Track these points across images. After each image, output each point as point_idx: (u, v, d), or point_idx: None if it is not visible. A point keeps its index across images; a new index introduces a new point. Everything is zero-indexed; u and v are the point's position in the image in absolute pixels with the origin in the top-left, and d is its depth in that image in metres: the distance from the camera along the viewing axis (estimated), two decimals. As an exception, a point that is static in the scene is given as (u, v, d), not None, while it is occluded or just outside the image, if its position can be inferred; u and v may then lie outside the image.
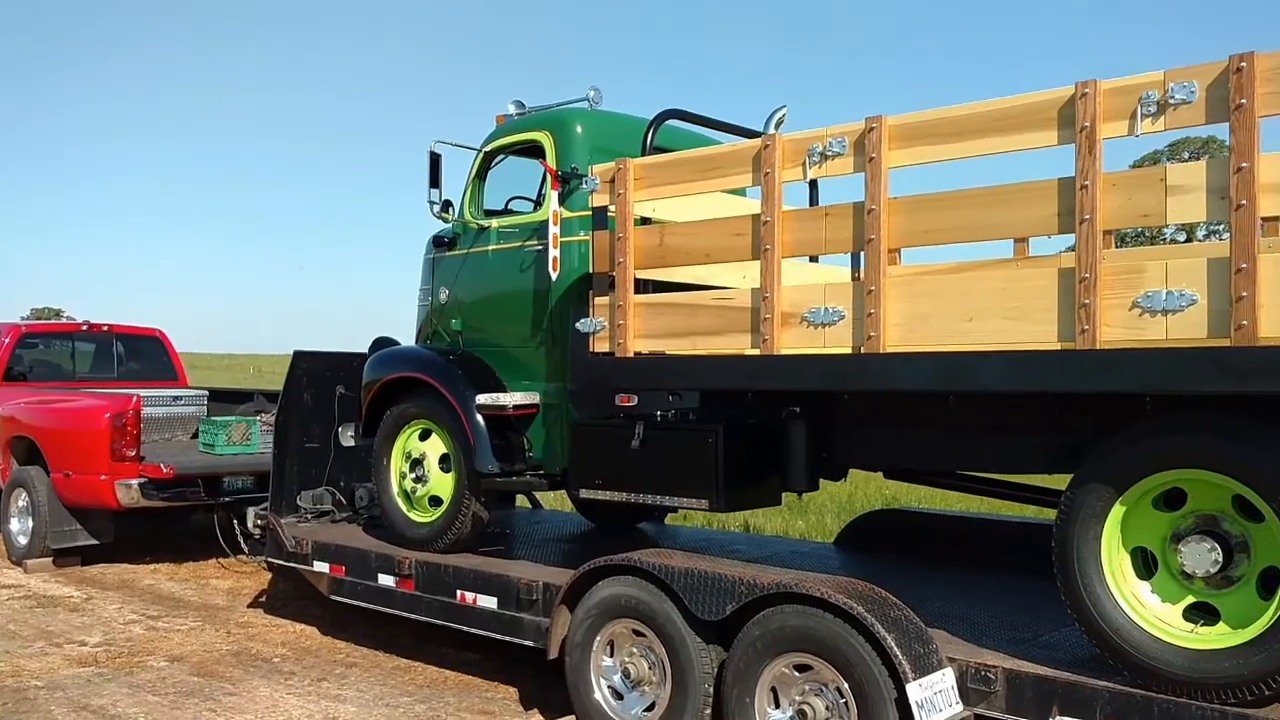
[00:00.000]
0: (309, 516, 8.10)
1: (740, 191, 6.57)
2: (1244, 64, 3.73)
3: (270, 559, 8.01)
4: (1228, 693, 3.88)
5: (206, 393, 12.09)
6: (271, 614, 8.54)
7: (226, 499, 9.76)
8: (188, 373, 13.16)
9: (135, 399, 9.83)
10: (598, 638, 5.49)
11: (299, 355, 8.18)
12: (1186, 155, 49.96)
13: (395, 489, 7.24)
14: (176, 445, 11.06)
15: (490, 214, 7.13)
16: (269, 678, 6.79)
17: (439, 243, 7.37)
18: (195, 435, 11.10)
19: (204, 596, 9.16)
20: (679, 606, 5.12)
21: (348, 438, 7.97)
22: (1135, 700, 4.04)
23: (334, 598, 7.38)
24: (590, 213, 5.91)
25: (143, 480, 9.52)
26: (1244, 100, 3.73)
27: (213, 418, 10.86)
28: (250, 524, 8.38)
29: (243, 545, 8.86)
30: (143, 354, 12.57)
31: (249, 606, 8.80)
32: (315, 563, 7.44)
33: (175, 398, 11.65)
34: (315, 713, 6.09)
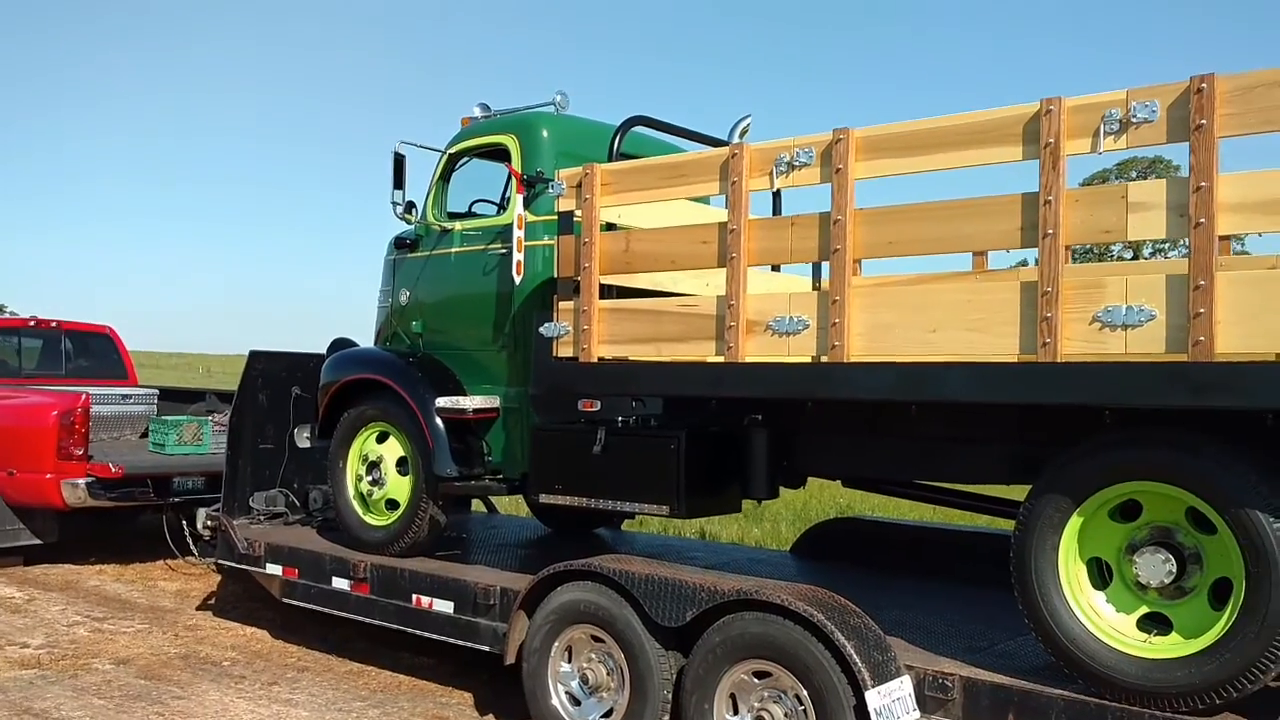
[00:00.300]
0: (262, 518, 8.00)
1: (704, 200, 6.61)
2: (1204, 85, 3.81)
3: (221, 561, 7.90)
4: (1180, 701, 3.95)
5: (157, 391, 11.90)
6: (221, 617, 8.41)
7: (176, 500, 9.58)
8: (136, 371, 12.94)
9: (84, 397, 9.64)
10: (556, 643, 5.47)
11: (255, 355, 8.08)
12: (1134, 174, 50.84)
13: (351, 491, 7.17)
14: (125, 444, 10.86)
15: (453, 216, 7.10)
16: (218, 681, 6.68)
17: (401, 244, 7.31)
18: (145, 435, 10.91)
19: (151, 598, 9.00)
20: (639, 612, 5.12)
21: (303, 439, 7.88)
22: (1089, 709, 4.10)
23: (286, 601, 7.29)
24: (555, 217, 5.90)
25: (90, 480, 9.33)
26: (1204, 120, 3.81)
27: (163, 417, 10.69)
28: (200, 525, 8.27)
29: (192, 547, 8.72)
30: (92, 351, 12.33)
31: (197, 609, 8.66)
32: (268, 565, 7.34)
33: (125, 396, 11.46)
34: (266, 717, 6.01)
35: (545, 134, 6.56)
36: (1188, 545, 4.11)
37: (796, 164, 4.84)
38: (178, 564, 9.84)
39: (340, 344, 7.68)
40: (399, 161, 6.75)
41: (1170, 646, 4.08)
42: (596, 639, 5.36)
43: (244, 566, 7.57)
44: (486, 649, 5.99)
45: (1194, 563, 4.10)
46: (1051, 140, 4.11)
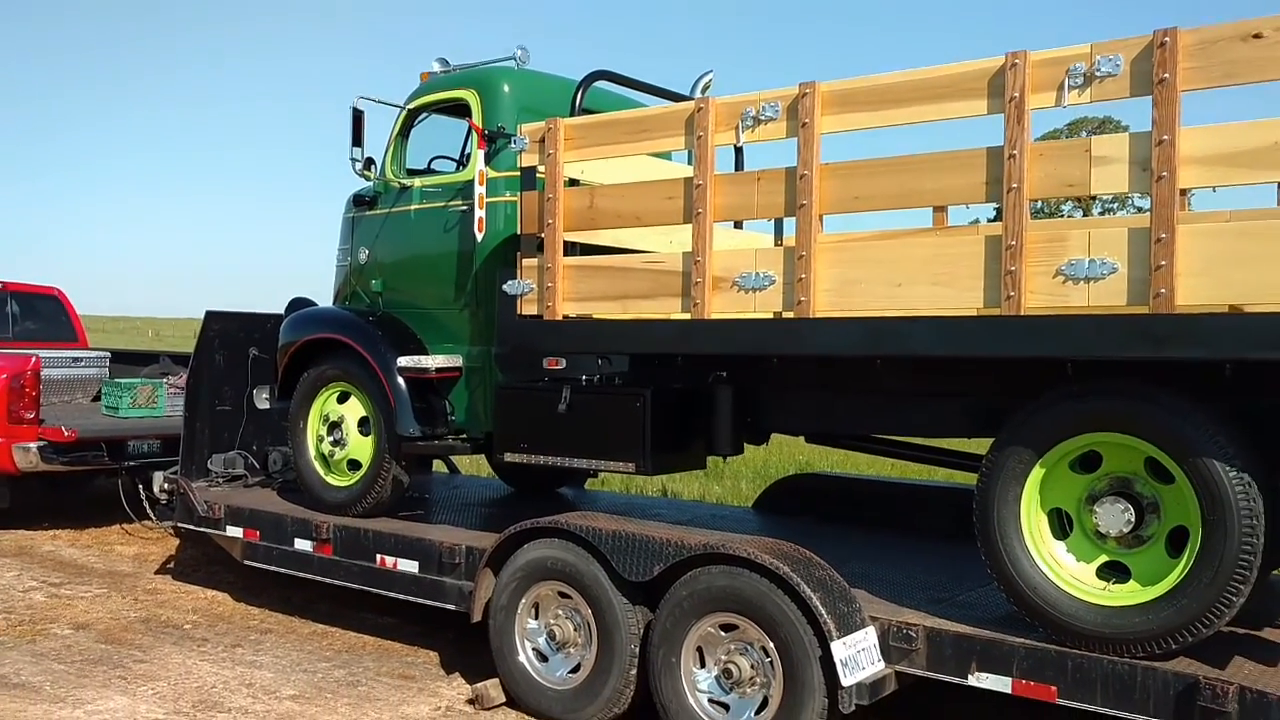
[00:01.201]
0: (220, 481, 7.92)
1: (666, 155, 6.58)
2: (1167, 39, 3.84)
3: (179, 524, 7.82)
4: (1137, 647, 4.04)
5: (109, 354, 11.71)
6: (181, 580, 8.33)
7: (131, 463, 9.46)
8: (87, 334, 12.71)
9: (34, 359, 9.44)
10: (523, 600, 5.48)
11: (211, 315, 7.96)
12: (1084, 134, 51.28)
13: (312, 452, 7.11)
14: (77, 408, 10.69)
15: (413, 173, 7.01)
16: (180, 644, 6.63)
17: (359, 202, 7.22)
18: (97, 398, 10.74)
19: (109, 563, 8.89)
20: (606, 568, 5.14)
21: (262, 400, 7.80)
22: (1050, 655, 4.19)
23: (247, 563, 7.24)
24: (518, 173, 5.84)
25: (42, 444, 9.17)
26: (1167, 75, 3.84)
27: (116, 380, 10.53)
28: (158, 489, 8.18)
29: (149, 511, 8.64)
30: (40, 314, 12.08)
31: (156, 573, 8.57)
32: (228, 527, 7.28)
33: (75, 359, 11.26)
34: (230, 679, 5.98)
35: (506, 89, 6.48)
36: (1146, 495, 4.19)
37: (762, 118, 4.82)
38: (134, 528, 9.73)
39: (299, 303, 7.59)
40: (357, 117, 6.64)
41: (1128, 594, 4.17)
42: (563, 595, 5.38)
43: (203, 529, 7.50)
44: (452, 608, 6.00)
45: (1152, 512, 4.18)
46: (1016, 94, 4.13)
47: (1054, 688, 4.16)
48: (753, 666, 4.73)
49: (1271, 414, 4.15)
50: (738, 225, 6.52)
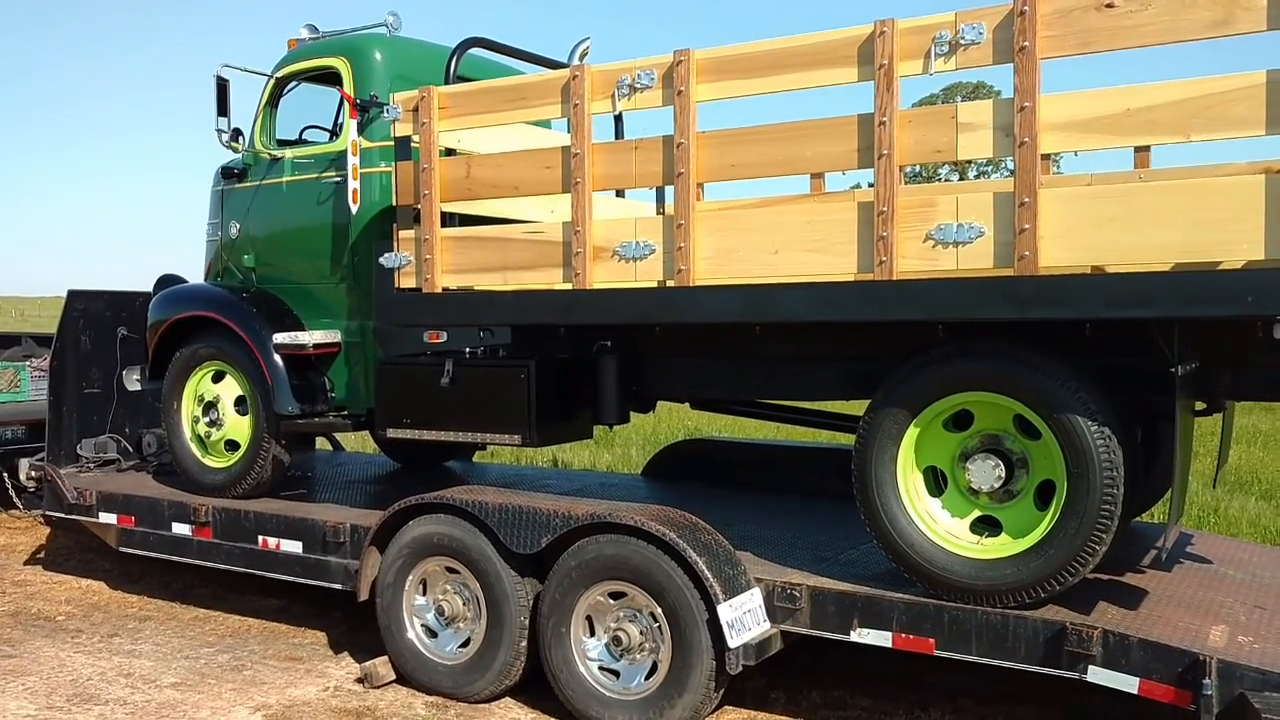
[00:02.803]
0: (91, 466, 7.63)
1: (545, 124, 6.50)
2: (1026, 7, 3.94)
3: (49, 512, 7.51)
4: (1009, 597, 4.20)
5: (-35, 337, 11.14)
6: (52, 570, 8.02)
7: (-6, 451, 9.04)
8: (-58, 316, 12.07)
9: (-118, 344, 8.94)
10: (410, 577, 5.43)
11: (74, 295, 7.64)
12: (959, 99, 52.51)
13: (188, 434, 6.89)
14: (-67, 395, 10.15)
15: (284, 144, 6.80)
16: (53, 636, 6.39)
17: (228, 174, 6.97)
18: (-45, 383, 10.20)
19: (-27, 556, 8.51)
20: (494, 542, 5.12)
21: (133, 381, 7.51)
22: (928, 609, 4.33)
23: (123, 550, 7.00)
24: (392, 143, 5.71)
25: (-105, 433, 8.72)
26: (1026, 43, 3.94)
27: (-26, 364, 10.01)
28: (24, 476, 7.86)
29: (15, 500, 8.28)
30: (-112, 296, 11.42)
31: (25, 564, 8.23)
32: (101, 514, 7.02)
33: (-71, 343, 10.68)
34: (108, 670, 5.79)
35: (378, 56, 6.32)
36: (1015, 451, 4.35)
37: (638, 86, 4.80)
38: (1, 518, 9.31)
39: (168, 280, 7.32)
40: (222, 86, 6.39)
41: (1000, 546, 4.33)
42: (451, 570, 5.34)
43: (75, 517, 7.22)
44: (339, 587, 5.90)
45: (1021, 467, 4.35)
46: (885, 62, 4.19)
47: (932, 640, 4.31)
48: (641, 633, 4.77)
49: (1128, 370, 4.33)
50: (619, 194, 6.51)
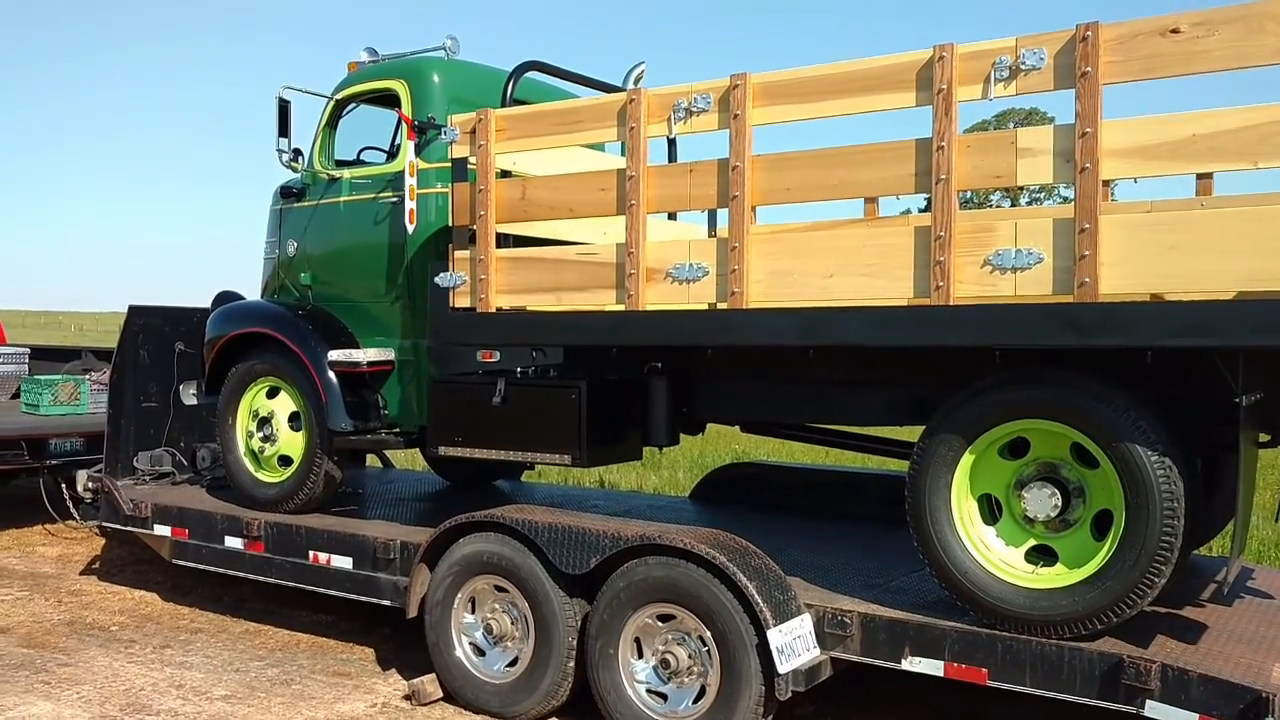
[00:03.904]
0: (147, 478, 7.75)
1: (599, 147, 6.55)
2: (1089, 33, 3.91)
3: (105, 524, 7.64)
4: (1064, 628, 4.13)
5: (28, 350, 11.39)
6: (107, 581, 8.15)
7: (54, 462, 9.19)
8: (5, 330, 12.37)
9: (-51, 357, 9.17)
10: (459, 595, 5.45)
11: (135, 310, 7.78)
12: (1012, 125, 52.22)
13: (242, 448, 6.98)
14: (-5, 406, 10.38)
15: (342, 164, 6.91)
16: (107, 646, 6.49)
17: (287, 194, 7.09)
18: (16, 395, 10.43)
19: (30, 565, 8.66)
20: (543, 561, 5.13)
21: (189, 396, 7.64)
22: (981, 639, 4.27)
23: (176, 562, 7.10)
24: (449, 164, 5.78)
25: (-43, 443, 8.90)
26: (1089, 68, 3.91)
27: (36, 376, 10.23)
28: (81, 487, 7.97)
29: (72, 510, 8.41)
30: (-46, 309, 11.72)
31: (81, 574, 8.37)
32: (155, 526, 7.13)
33: (-7, 355, 10.94)
34: (160, 680, 5.86)
35: (436, 79, 6.40)
36: (1072, 480, 4.28)
37: (694, 110, 4.82)
38: (57, 528, 9.48)
39: (226, 297, 7.44)
40: (283, 107, 6.52)
41: (1055, 576, 4.26)
42: (500, 589, 5.35)
43: (130, 529, 7.33)
44: (388, 604, 5.94)
45: (1078, 496, 4.28)
46: (944, 86, 4.18)
47: (985, 670, 4.24)
48: (690, 656, 4.75)
49: (1191, 399, 4.26)
50: (671, 217, 6.53)
